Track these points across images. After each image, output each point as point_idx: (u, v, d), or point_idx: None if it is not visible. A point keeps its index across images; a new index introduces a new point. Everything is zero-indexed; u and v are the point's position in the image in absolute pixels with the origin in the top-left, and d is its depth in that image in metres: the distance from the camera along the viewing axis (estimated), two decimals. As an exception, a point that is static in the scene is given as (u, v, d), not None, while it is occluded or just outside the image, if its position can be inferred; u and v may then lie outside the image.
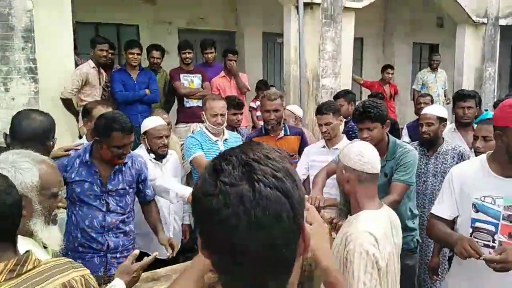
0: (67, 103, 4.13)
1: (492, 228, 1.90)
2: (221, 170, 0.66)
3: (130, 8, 6.75)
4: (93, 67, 4.34)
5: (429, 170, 3.17)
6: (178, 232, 3.14)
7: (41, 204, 1.38)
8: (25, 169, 1.36)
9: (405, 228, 2.68)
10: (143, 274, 1.95)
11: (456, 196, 2.02)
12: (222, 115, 3.10)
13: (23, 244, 1.34)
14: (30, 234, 1.37)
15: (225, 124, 3.17)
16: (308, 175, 3.24)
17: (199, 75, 5.05)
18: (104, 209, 2.39)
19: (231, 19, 7.85)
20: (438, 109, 3.36)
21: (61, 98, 4.11)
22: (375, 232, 1.64)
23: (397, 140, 2.72)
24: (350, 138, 3.29)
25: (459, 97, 3.85)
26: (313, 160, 3.21)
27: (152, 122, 3.05)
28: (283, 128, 3.41)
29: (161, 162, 3.04)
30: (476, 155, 2.75)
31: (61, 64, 4.20)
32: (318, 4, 5.66)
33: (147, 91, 4.66)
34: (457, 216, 2.07)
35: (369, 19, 8.84)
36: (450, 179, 2.06)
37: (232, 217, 0.63)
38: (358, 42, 8.77)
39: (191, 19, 7.40)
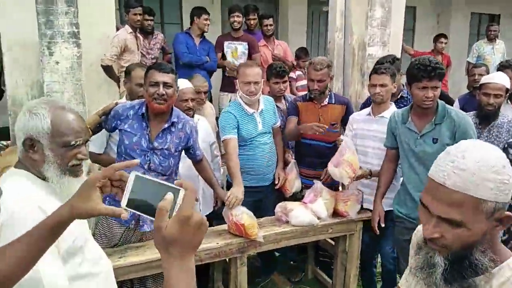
0: (108, 70, 4.18)
1: None
2: None
3: (174, -24, 6.69)
4: (130, 32, 4.34)
5: None
6: (208, 197, 3.10)
7: (52, 151, 1.35)
8: (38, 114, 1.34)
9: None
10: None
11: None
12: (255, 83, 2.94)
13: (39, 190, 1.33)
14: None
15: (260, 93, 3.03)
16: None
17: (245, 43, 4.88)
18: (146, 167, 2.39)
19: (276, -14, 7.61)
20: (505, 79, 3.05)
21: (101, 65, 4.16)
22: None
23: (443, 103, 2.49)
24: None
25: None
26: (358, 129, 3.04)
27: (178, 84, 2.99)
28: (328, 96, 3.26)
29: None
30: None
31: (103, 30, 4.23)
32: (367, -33, 5.30)
33: (207, 58, 4.68)
34: None
35: (423, -14, 8.29)
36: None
37: None
38: (411, 11, 8.24)
39: (235, -14, 7.23)
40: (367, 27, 5.49)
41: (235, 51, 4.89)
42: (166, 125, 2.43)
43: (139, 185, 0.90)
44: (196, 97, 3.11)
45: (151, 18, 4.87)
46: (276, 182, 3.16)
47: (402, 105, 3.15)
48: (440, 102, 2.47)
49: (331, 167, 2.78)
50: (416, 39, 8.74)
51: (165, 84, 2.33)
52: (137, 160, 0.98)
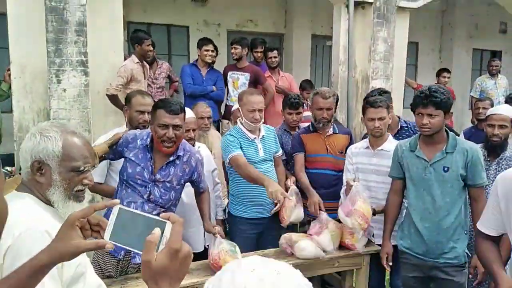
0: (113, 99, 4.21)
1: None
2: None
3: (181, 10, 6.87)
4: (137, 62, 4.42)
5: (489, 177, 2.86)
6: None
7: (60, 175, 1.34)
8: (50, 136, 1.33)
9: (458, 239, 2.44)
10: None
11: (503, 208, 1.67)
12: (260, 110, 2.97)
13: (45, 213, 1.30)
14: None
15: (262, 121, 3.05)
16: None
17: (248, 74, 4.94)
18: (145, 197, 2.37)
19: (280, 21, 7.78)
20: (510, 110, 3.06)
21: (106, 94, 4.20)
22: None
23: (453, 133, 2.48)
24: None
25: None
26: (358, 163, 3.00)
27: None
28: (332, 127, 3.27)
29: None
30: None
31: (110, 59, 4.31)
32: (370, 3, 5.44)
33: (214, 87, 4.75)
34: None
35: (426, 22, 8.46)
36: (496, 187, 1.72)
37: None
38: (413, 47, 8.38)
39: (241, 21, 7.41)
40: (370, 61, 5.58)
41: (236, 81, 4.97)
42: (171, 158, 2.42)
43: (124, 218, 0.90)
44: (201, 124, 3.12)
45: (152, 48, 4.99)
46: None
47: (405, 136, 3.14)
48: (450, 132, 2.47)
49: (342, 216, 2.70)
50: (419, 74, 8.84)
51: (175, 127, 2.32)
52: (117, 201, 0.96)
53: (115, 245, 0.91)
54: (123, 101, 4.37)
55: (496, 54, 9.26)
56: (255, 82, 4.92)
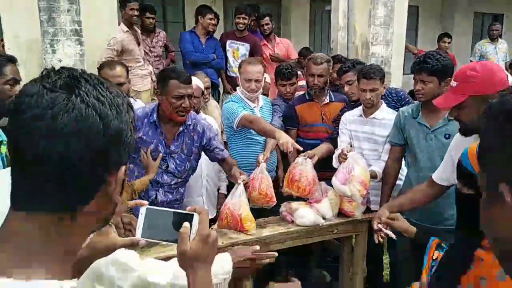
0: None
1: None
2: (47, 76, 0.64)
3: (176, -24, 6.67)
4: (126, 31, 4.25)
5: None
6: (211, 195, 3.07)
7: None
8: None
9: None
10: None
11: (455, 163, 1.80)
12: (257, 81, 2.92)
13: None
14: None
15: (261, 90, 3.01)
16: (351, 146, 3.04)
17: (248, 44, 4.84)
18: (163, 168, 2.41)
19: (278, -14, 7.59)
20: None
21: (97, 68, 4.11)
22: None
23: None
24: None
25: None
26: (351, 130, 2.98)
27: None
28: (328, 94, 3.22)
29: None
30: None
31: (104, 28, 4.21)
32: (371, -34, 5.28)
33: (214, 56, 4.66)
34: None
35: (426, -15, 8.26)
36: (451, 145, 1.97)
37: (38, 119, 0.60)
38: (413, 10, 8.20)
39: (237, -14, 7.21)
40: (370, 26, 5.47)
41: (237, 51, 4.87)
42: (180, 129, 2.42)
43: (152, 216, 1.00)
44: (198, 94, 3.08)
45: (153, 16, 4.84)
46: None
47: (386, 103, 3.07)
48: None
49: (336, 184, 2.61)
50: (419, 39, 8.71)
51: (190, 96, 2.31)
52: (145, 202, 1.05)
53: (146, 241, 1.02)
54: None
55: (497, 18, 9.08)
56: (252, 54, 4.84)
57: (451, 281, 1.25)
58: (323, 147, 2.93)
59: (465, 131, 1.75)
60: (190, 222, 0.96)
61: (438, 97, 1.97)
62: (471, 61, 6.55)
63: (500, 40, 6.43)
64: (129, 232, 1.06)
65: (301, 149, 2.57)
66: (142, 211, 0.99)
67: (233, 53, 4.88)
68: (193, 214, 0.97)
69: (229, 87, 4.86)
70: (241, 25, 4.80)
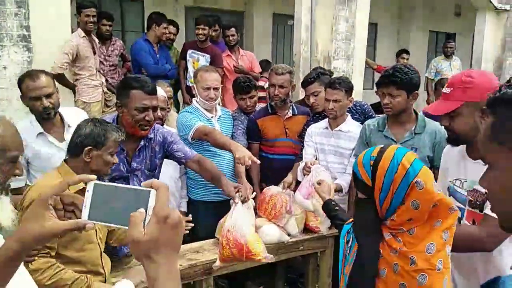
0: (60, 78, 3.85)
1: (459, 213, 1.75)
2: None
3: (136, -17, 6.48)
4: (83, 37, 4.05)
5: None
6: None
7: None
8: None
9: None
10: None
11: (441, 176, 1.88)
12: (215, 89, 2.81)
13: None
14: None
15: (219, 100, 2.90)
16: (316, 159, 2.97)
17: (208, 55, 4.72)
18: None
19: (240, -2, 7.55)
20: None
21: (52, 73, 3.86)
22: None
23: (422, 114, 2.45)
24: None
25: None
26: (317, 143, 2.93)
27: None
28: (290, 107, 3.14)
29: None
30: None
31: (56, 34, 3.93)
32: (332, -18, 5.35)
33: (168, 66, 4.50)
34: None
35: (384, 4, 8.50)
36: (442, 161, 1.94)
37: None
38: (372, 28, 8.42)
39: (199, -3, 7.11)
40: (332, 41, 5.51)
41: (197, 62, 4.74)
42: (142, 143, 2.22)
43: (101, 193, 0.81)
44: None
45: (110, 23, 4.62)
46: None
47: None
48: (420, 113, 2.44)
49: (299, 198, 2.54)
50: (378, 55, 8.94)
51: (154, 108, 2.12)
52: (94, 176, 0.83)
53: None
54: (72, 80, 4.08)
55: (450, 36, 9.51)
56: (212, 64, 4.73)
57: (369, 280, 1.25)
58: (296, 169, 2.84)
59: (455, 141, 1.71)
60: (146, 201, 0.77)
61: (430, 104, 1.97)
62: (426, 77, 6.76)
63: (454, 57, 6.68)
64: (72, 214, 0.84)
65: (259, 162, 2.44)
66: (89, 187, 0.80)
67: (193, 63, 4.75)
68: (149, 191, 0.77)
69: (188, 98, 4.72)
70: (201, 35, 4.68)
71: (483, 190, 1.59)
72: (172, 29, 4.91)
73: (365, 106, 3.18)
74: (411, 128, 2.37)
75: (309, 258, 2.90)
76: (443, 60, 6.69)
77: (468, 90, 1.58)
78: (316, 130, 2.95)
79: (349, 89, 2.82)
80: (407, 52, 6.65)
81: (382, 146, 1.30)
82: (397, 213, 1.20)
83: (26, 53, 3.73)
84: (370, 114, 3.11)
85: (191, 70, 4.75)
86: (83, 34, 4.06)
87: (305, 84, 3.12)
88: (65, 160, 1.84)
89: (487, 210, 1.55)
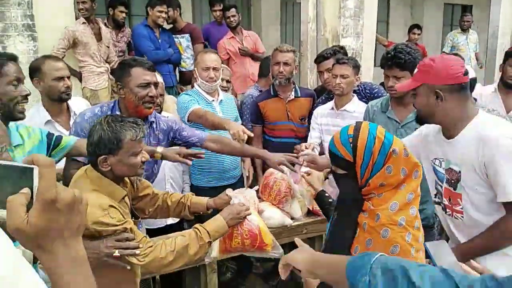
0: None
1: (441, 190, 1.85)
2: None
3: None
4: (84, 23, 4.04)
5: None
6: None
7: None
8: None
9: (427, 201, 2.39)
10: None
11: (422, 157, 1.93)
12: (215, 69, 2.80)
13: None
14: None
15: (219, 81, 2.88)
16: (321, 141, 2.94)
17: (187, 34, 4.66)
18: None
19: (247, -23, 7.41)
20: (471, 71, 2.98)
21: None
22: None
23: None
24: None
25: None
26: (323, 124, 2.90)
27: None
28: (293, 89, 3.09)
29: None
30: None
31: (60, 22, 3.95)
32: (340, -44, 5.18)
33: (171, 50, 4.46)
34: None
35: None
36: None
37: None
38: (384, 2, 8.19)
39: (205, -23, 7.00)
40: (340, 18, 5.38)
41: (180, 46, 4.67)
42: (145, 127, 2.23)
43: None
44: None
45: (126, 11, 4.63)
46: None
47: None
48: None
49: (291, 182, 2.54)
50: (391, 31, 8.71)
51: (156, 84, 2.12)
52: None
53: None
54: (75, 68, 4.08)
55: (466, 9, 9.18)
56: (193, 41, 4.70)
57: (343, 250, 1.35)
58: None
59: (417, 119, 1.84)
60: (31, 181, 0.63)
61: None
62: (443, 52, 6.57)
63: (470, 30, 6.46)
64: None
65: (252, 135, 2.38)
66: None
67: (178, 47, 4.70)
68: (32, 168, 0.63)
69: (179, 86, 4.72)
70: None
71: (457, 169, 1.71)
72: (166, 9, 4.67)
73: (375, 89, 3.06)
74: (414, 109, 2.31)
75: (314, 241, 2.91)
76: (459, 34, 6.50)
77: (426, 73, 1.68)
78: (322, 111, 2.93)
79: (355, 66, 2.79)
80: (418, 27, 6.45)
81: (354, 124, 1.40)
82: (372, 179, 1.31)
83: (31, 42, 3.75)
84: (380, 95, 3.03)
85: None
86: (83, 20, 4.06)
87: (321, 59, 3.11)
88: (92, 165, 1.67)
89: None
